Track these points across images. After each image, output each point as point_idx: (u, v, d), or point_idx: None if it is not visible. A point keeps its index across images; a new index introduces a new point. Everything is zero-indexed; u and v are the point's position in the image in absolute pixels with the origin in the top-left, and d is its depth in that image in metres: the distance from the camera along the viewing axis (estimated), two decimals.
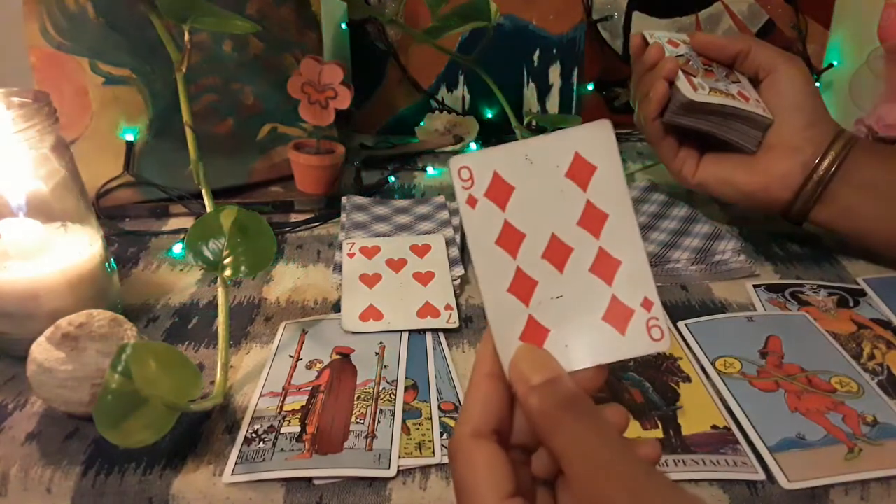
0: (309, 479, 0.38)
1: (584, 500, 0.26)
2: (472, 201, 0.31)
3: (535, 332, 0.31)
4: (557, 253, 0.31)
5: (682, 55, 0.59)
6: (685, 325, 0.51)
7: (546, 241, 0.31)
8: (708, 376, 0.46)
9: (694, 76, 0.57)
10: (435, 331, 0.51)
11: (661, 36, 0.61)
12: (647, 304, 0.31)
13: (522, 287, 0.31)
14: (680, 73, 0.57)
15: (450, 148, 0.87)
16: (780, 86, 0.57)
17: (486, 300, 0.31)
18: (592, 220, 0.31)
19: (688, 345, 0.49)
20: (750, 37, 0.63)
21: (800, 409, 0.43)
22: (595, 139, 0.31)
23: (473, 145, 0.87)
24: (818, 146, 0.56)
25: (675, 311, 0.53)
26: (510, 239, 0.31)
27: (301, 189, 0.71)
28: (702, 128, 0.58)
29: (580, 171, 0.31)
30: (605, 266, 0.31)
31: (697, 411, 0.43)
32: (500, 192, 0.31)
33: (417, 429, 0.41)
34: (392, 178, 0.79)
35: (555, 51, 0.89)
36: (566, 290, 0.31)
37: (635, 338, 0.31)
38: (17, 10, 0.63)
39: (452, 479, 0.30)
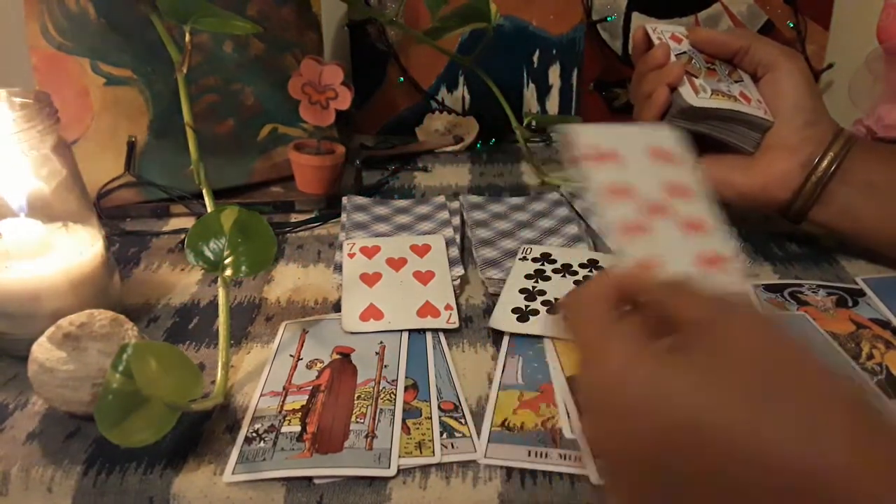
0: (309, 479, 0.38)
1: None
2: (588, 161, 0.40)
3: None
4: (658, 209, 0.39)
5: (684, 52, 0.58)
6: None
7: (649, 200, 0.39)
8: None
9: (696, 76, 0.57)
10: (435, 331, 0.51)
11: (664, 31, 0.60)
12: (733, 255, 0.39)
13: (634, 229, 0.38)
14: (683, 75, 0.56)
15: (450, 148, 0.88)
16: (780, 84, 0.57)
17: (610, 242, 0.39)
18: (680, 190, 0.40)
19: None
20: (750, 32, 0.62)
21: None
22: (668, 135, 0.43)
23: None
24: (817, 146, 0.55)
25: None
26: (621, 191, 0.39)
27: (301, 189, 0.71)
28: (701, 131, 0.58)
29: (663, 156, 0.42)
30: (695, 224, 0.39)
31: None
32: (608, 157, 0.40)
33: (417, 428, 0.41)
34: (392, 178, 0.79)
35: (554, 51, 0.89)
36: (667, 238, 0.38)
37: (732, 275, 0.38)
38: (17, 11, 0.63)
39: (575, 334, 0.32)
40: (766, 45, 0.58)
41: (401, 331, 0.50)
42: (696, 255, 0.38)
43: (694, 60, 0.58)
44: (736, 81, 0.58)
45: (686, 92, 0.56)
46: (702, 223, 0.39)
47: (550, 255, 0.58)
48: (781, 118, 0.57)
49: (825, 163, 0.55)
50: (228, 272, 0.47)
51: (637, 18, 0.88)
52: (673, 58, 0.58)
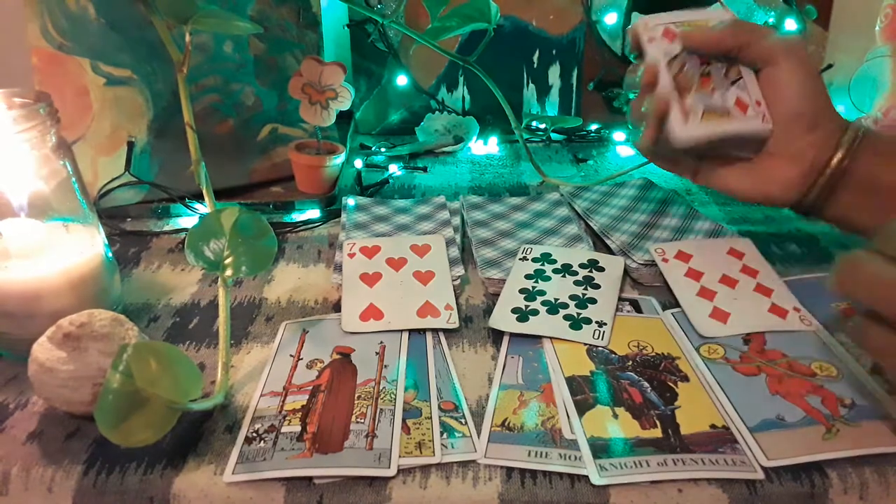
0: (309, 479, 0.38)
1: None
2: (665, 260, 0.57)
3: (718, 315, 0.52)
4: (729, 281, 0.55)
5: (676, 57, 0.55)
6: (671, 313, 0.52)
7: (719, 276, 0.56)
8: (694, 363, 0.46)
9: (687, 91, 0.54)
10: (435, 331, 0.51)
11: (657, 27, 0.57)
12: (796, 310, 0.52)
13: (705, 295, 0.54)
14: (672, 103, 0.53)
15: (449, 148, 0.88)
16: (780, 85, 0.53)
17: (682, 303, 0.54)
18: (750, 271, 0.56)
19: (673, 332, 0.50)
20: (747, 25, 0.58)
21: (780, 392, 0.44)
22: (744, 244, 0.59)
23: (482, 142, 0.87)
24: (820, 151, 0.52)
25: (670, 304, 0.53)
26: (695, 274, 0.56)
27: (302, 189, 0.71)
28: (698, 151, 0.56)
29: (736, 254, 0.58)
30: (763, 290, 0.55)
31: (696, 411, 0.43)
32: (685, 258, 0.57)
33: (417, 428, 0.41)
34: (392, 178, 0.79)
35: (554, 51, 0.89)
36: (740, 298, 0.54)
37: (793, 320, 0.52)
38: (18, 11, 0.63)
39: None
40: (763, 40, 0.54)
41: (401, 331, 0.50)
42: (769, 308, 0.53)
43: (687, 66, 0.55)
44: (733, 82, 0.56)
45: (676, 124, 0.53)
46: (769, 290, 0.54)
47: (550, 255, 0.58)
48: (782, 125, 0.53)
49: (830, 168, 0.52)
50: (228, 272, 0.47)
51: (637, 19, 0.88)
52: (663, 72, 0.54)
